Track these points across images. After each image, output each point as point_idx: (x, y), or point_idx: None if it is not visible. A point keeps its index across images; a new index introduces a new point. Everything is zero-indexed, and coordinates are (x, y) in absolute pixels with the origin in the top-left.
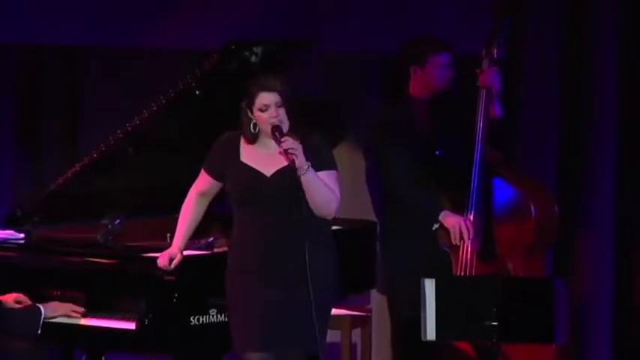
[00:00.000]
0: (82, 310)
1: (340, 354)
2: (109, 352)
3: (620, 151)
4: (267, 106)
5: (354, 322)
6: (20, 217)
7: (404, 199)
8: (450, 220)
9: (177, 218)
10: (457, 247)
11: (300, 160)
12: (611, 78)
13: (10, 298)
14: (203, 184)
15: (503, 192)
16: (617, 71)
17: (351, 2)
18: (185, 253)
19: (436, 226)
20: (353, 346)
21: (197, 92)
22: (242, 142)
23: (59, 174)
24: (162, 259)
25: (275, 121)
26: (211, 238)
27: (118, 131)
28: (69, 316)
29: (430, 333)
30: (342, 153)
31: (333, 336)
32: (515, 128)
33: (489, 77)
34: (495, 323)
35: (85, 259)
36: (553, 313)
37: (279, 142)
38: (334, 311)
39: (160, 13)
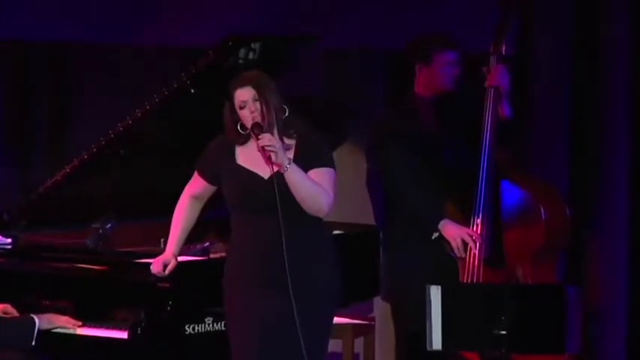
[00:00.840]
0: (79, 323)
1: None
2: None
3: (634, 151)
4: (245, 102)
5: (357, 330)
6: (7, 222)
7: (404, 204)
8: (449, 231)
9: (170, 223)
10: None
11: (280, 157)
12: (625, 76)
13: None
14: (196, 186)
15: (512, 195)
16: (631, 69)
17: None
18: (180, 258)
19: (435, 235)
20: (355, 356)
21: (192, 91)
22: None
23: (48, 176)
24: (155, 265)
25: (256, 115)
26: (207, 243)
27: (110, 132)
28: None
29: (436, 342)
30: (343, 154)
31: (334, 345)
32: (525, 128)
33: (497, 75)
34: (504, 332)
35: (75, 265)
36: (565, 321)
37: (257, 139)
38: (336, 320)
39: (154, 9)
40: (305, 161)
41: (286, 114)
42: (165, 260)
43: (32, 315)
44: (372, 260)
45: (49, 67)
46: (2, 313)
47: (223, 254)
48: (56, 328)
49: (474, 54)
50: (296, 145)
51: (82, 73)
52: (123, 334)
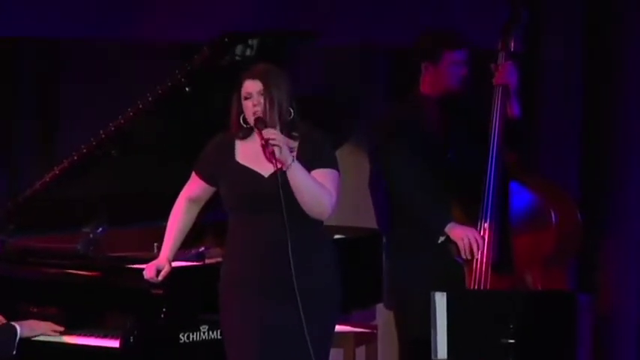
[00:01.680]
0: (61, 329)
1: None
2: None
3: None
4: (250, 94)
5: (359, 339)
6: None
7: (408, 206)
8: (457, 232)
9: (164, 227)
10: (471, 259)
11: (284, 153)
12: (638, 76)
13: None
14: (193, 188)
15: (521, 198)
16: None
17: None
18: (174, 264)
19: (442, 238)
20: None
21: (187, 89)
22: (237, 141)
23: (36, 178)
24: (148, 271)
25: (257, 109)
26: (202, 248)
27: (101, 132)
28: (48, 335)
29: (441, 352)
30: (343, 155)
31: (335, 354)
32: (534, 128)
33: (506, 73)
34: (512, 341)
35: (65, 271)
36: (575, 330)
37: (260, 134)
38: (337, 328)
39: (148, 4)
40: (307, 161)
41: (291, 115)
42: (158, 266)
43: (13, 323)
44: (374, 265)
45: (38, 64)
46: None
47: (219, 259)
48: (38, 335)
49: (481, 50)
50: (298, 145)
51: (71, 71)
52: (114, 343)
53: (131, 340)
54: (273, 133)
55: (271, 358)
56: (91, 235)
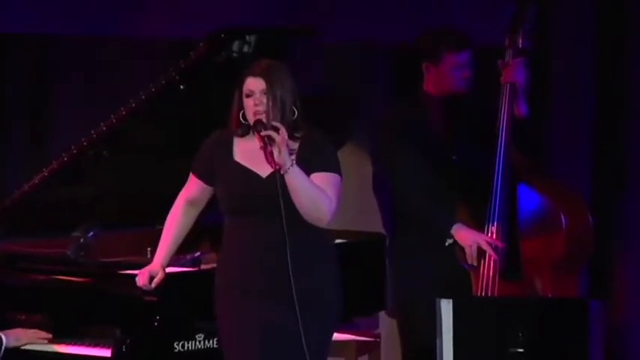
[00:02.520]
0: (49, 336)
1: None
2: None
3: None
4: (252, 92)
5: (361, 348)
6: None
7: (414, 209)
8: (464, 236)
9: (158, 231)
10: (478, 264)
11: (283, 155)
12: None
13: None
14: (192, 189)
15: (530, 200)
16: None
17: None
18: (168, 270)
19: (449, 241)
20: None
21: (181, 87)
22: (235, 139)
23: (24, 180)
24: (141, 277)
25: (259, 109)
26: (198, 253)
27: (92, 131)
28: (35, 344)
29: None
30: (345, 157)
31: None
32: (544, 128)
33: (514, 71)
34: (521, 350)
35: (54, 276)
36: (587, 338)
37: (259, 136)
38: (339, 336)
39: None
40: (307, 163)
41: (295, 116)
42: (152, 271)
43: None
44: (377, 271)
45: (26, 60)
46: None
47: (215, 265)
48: (25, 344)
49: (486, 48)
50: (298, 147)
51: (62, 69)
52: (106, 352)
53: (123, 350)
54: (275, 132)
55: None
56: (82, 240)
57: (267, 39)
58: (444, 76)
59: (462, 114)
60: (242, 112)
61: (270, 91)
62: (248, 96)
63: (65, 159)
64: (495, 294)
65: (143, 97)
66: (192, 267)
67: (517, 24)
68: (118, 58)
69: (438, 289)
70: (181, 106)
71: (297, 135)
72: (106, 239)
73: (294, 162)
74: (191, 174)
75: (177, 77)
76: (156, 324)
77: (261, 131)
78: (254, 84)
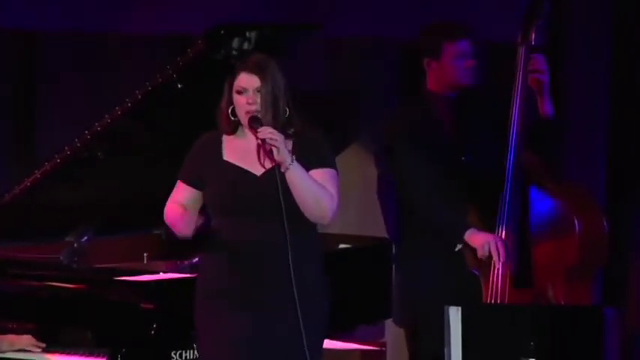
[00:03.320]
0: (43, 344)
1: None
2: None
3: None
4: (245, 89)
5: (366, 357)
6: None
7: (422, 213)
8: (477, 238)
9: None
10: (488, 270)
11: (282, 153)
12: None
13: None
14: (180, 197)
15: (542, 204)
16: None
17: None
18: (166, 276)
19: (459, 246)
20: None
21: (179, 85)
22: (224, 138)
23: (15, 183)
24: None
25: (252, 108)
26: (196, 259)
27: (86, 132)
28: (27, 351)
29: None
30: (349, 158)
31: None
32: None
33: (539, 67)
34: None
35: (46, 283)
36: (602, 347)
37: (256, 133)
38: (343, 345)
39: None
40: (304, 160)
41: (287, 114)
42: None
43: None
44: (382, 278)
45: (13, 58)
46: None
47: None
48: (17, 349)
49: (499, 43)
50: (293, 144)
51: (52, 66)
52: None
53: (119, 359)
54: (270, 132)
55: None
56: (76, 245)
57: (267, 35)
58: (446, 68)
59: (472, 112)
60: (232, 108)
61: (264, 88)
62: (239, 92)
63: (58, 161)
64: (506, 301)
65: (139, 96)
66: (191, 273)
67: (531, 20)
68: (111, 56)
69: (446, 296)
70: (179, 105)
71: (290, 132)
72: (100, 244)
73: (294, 159)
74: (178, 182)
75: (174, 75)
76: (153, 332)
77: (257, 128)
78: (247, 81)
